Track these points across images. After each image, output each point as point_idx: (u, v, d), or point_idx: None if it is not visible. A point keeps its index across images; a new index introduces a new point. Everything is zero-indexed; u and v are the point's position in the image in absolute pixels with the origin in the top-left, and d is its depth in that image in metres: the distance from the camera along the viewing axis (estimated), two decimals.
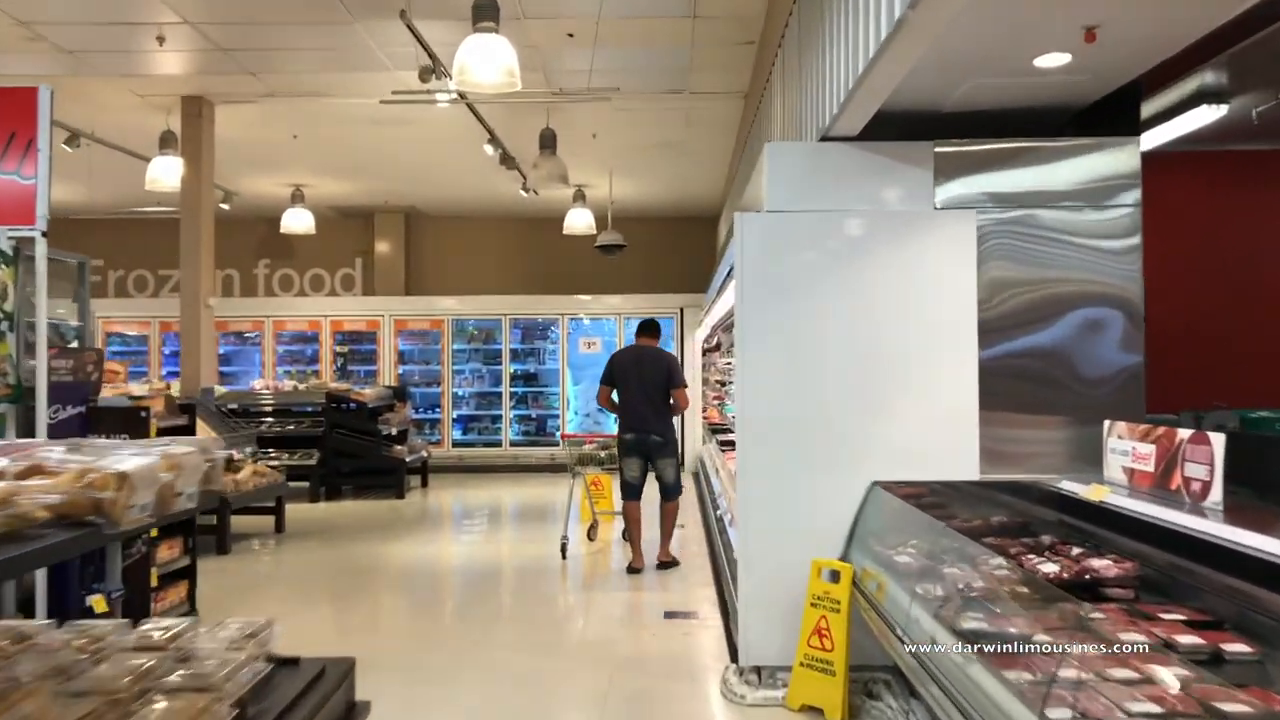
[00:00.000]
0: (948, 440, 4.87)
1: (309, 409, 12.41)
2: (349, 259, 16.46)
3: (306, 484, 11.89)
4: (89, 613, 5.22)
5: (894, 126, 4.95)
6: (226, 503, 8.54)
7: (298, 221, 13.82)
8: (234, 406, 12.40)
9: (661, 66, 9.19)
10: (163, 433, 5.76)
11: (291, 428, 12.25)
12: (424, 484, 13.22)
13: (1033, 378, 4.90)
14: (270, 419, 12.38)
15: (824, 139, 5.03)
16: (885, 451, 4.87)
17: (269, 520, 9.69)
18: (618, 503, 8.92)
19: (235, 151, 11.85)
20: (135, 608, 5.32)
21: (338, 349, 14.56)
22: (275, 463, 11.76)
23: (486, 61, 6.44)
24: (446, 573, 8.31)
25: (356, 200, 15.13)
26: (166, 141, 10.18)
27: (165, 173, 10.16)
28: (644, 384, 7.92)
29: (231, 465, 9.20)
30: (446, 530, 10.60)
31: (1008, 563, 3.62)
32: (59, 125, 9.87)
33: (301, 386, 12.87)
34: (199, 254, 10.32)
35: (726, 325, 11.63)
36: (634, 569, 7.91)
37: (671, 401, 7.99)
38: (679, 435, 14.55)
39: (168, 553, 5.69)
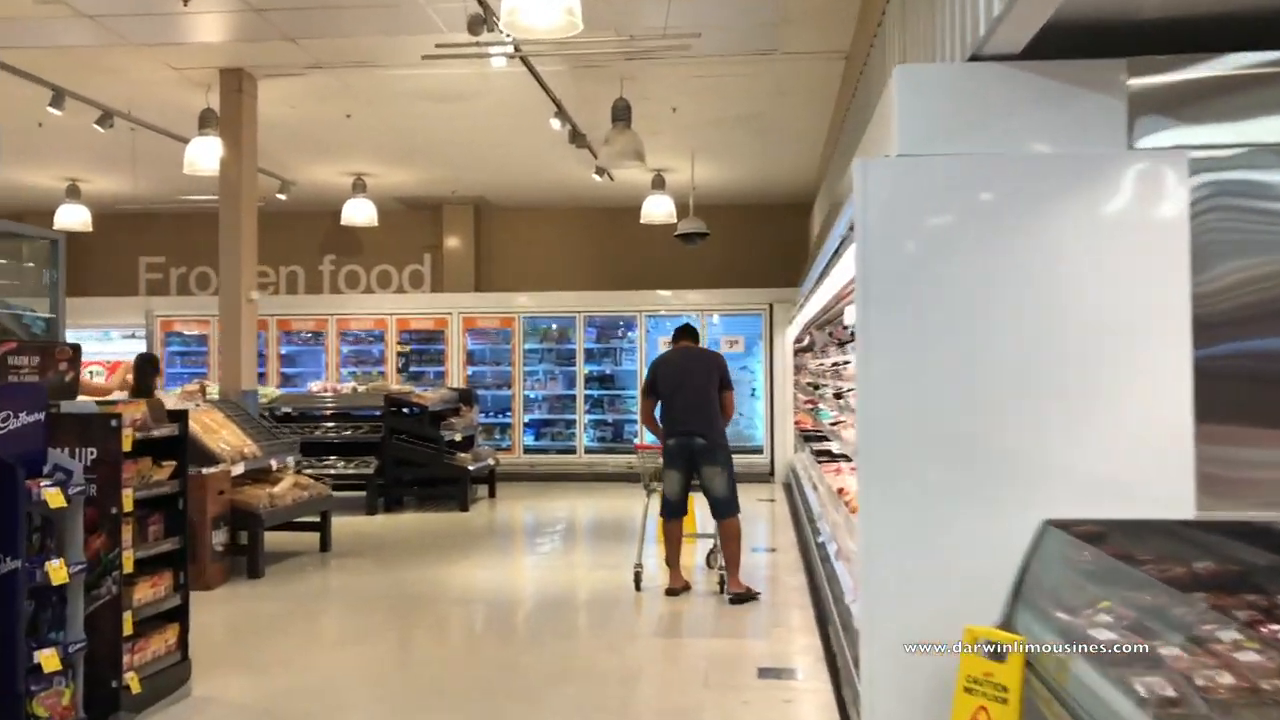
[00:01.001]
0: (1149, 465, 3.56)
1: (369, 413, 11.49)
2: (417, 254, 15.57)
3: (365, 494, 10.95)
4: (37, 671, 4.25)
5: (1069, 41, 3.67)
6: (259, 520, 7.59)
7: (359, 213, 12.93)
8: (290, 410, 11.55)
9: (749, 22, 7.97)
10: (143, 446, 4.75)
11: (349, 433, 11.33)
12: (491, 494, 12.19)
13: (1275, 381, 3.56)
14: (329, 424, 11.48)
15: (973, 59, 3.76)
16: (1062, 479, 3.58)
17: (315, 538, 8.72)
18: (701, 523, 7.74)
19: (287, 135, 10.98)
20: (101, 662, 4.31)
21: (400, 348, 13.65)
22: (332, 471, 10.88)
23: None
24: (504, 606, 7.21)
25: (423, 190, 14.21)
26: (206, 120, 9.32)
27: (204, 155, 9.30)
28: (692, 385, 7.03)
29: (269, 477, 8.26)
30: (510, 550, 9.53)
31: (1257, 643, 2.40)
32: (89, 103, 9.07)
33: (361, 389, 11.95)
34: (239, 243, 9.43)
35: (822, 322, 10.32)
36: (672, 590, 6.95)
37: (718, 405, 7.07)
38: (770, 443, 13.44)
39: (149, 591, 4.68)
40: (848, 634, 4.62)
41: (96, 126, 9.24)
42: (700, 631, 6.26)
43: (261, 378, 14.34)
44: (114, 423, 4.42)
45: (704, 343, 13.77)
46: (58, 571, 4.06)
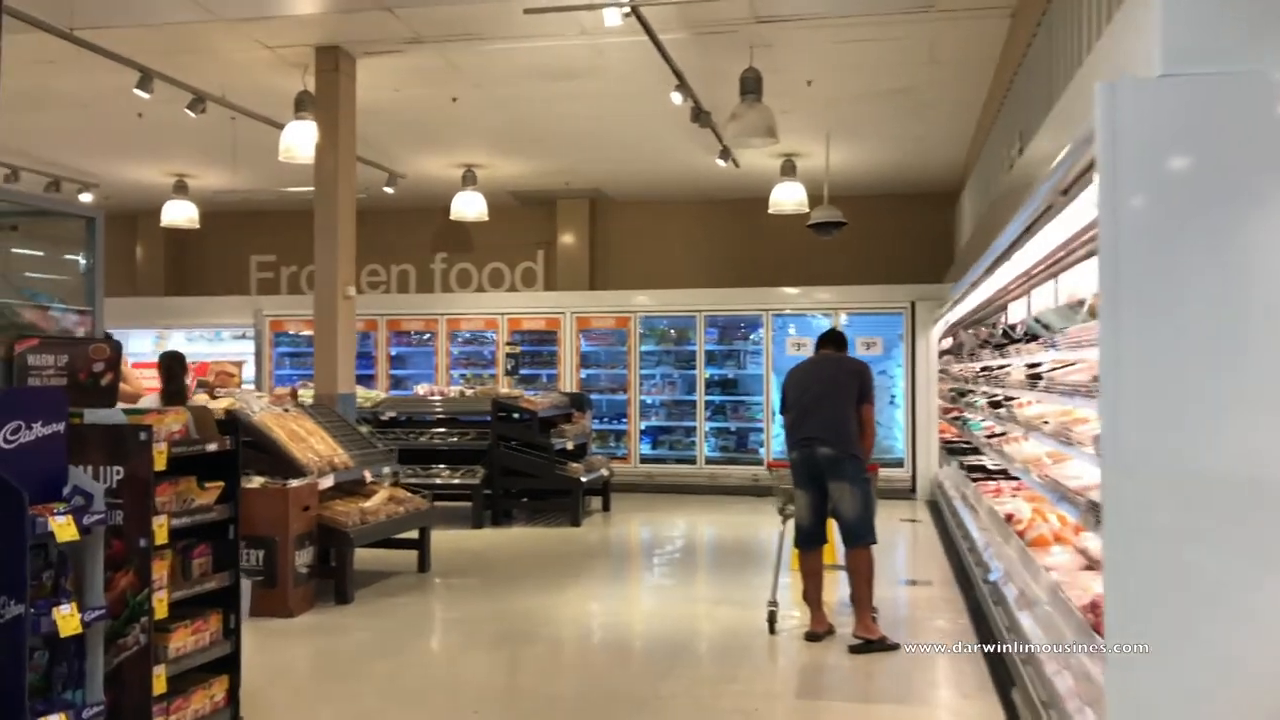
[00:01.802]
0: None
1: (477, 419, 10.75)
2: (530, 251, 14.85)
3: (470, 505, 10.21)
4: None
5: None
6: (348, 539, 6.85)
7: (469, 206, 12.25)
8: (395, 414, 10.91)
9: None
10: (188, 463, 3.98)
11: (455, 440, 10.60)
12: (605, 507, 11.31)
13: None
14: (437, 430, 10.78)
15: None
16: None
17: (413, 556, 7.97)
18: (841, 553, 6.67)
19: (391, 122, 10.33)
20: None
21: (511, 349, 12.92)
22: (438, 480, 10.18)
23: None
24: (617, 650, 6.28)
25: (536, 183, 13.45)
26: (302, 104, 8.69)
27: (300, 140, 8.68)
28: (821, 393, 6.03)
29: (362, 490, 7.54)
30: (625, 576, 8.60)
31: None
32: (179, 85, 8.53)
33: (469, 392, 11.23)
34: (336, 235, 8.77)
35: (970, 322, 9.12)
36: (812, 635, 5.90)
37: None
38: (912, 456, 12.18)
39: (190, 638, 3.90)
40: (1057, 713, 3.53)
41: (188, 111, 8.70)
42: (850, 691, 5.20)
43: (370, 380, 13.88)
44: (143, 435, 3.64)
45: None
46: (68, 620, 3.29)
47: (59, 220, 4.37)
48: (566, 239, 14.52)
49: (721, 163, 10.81)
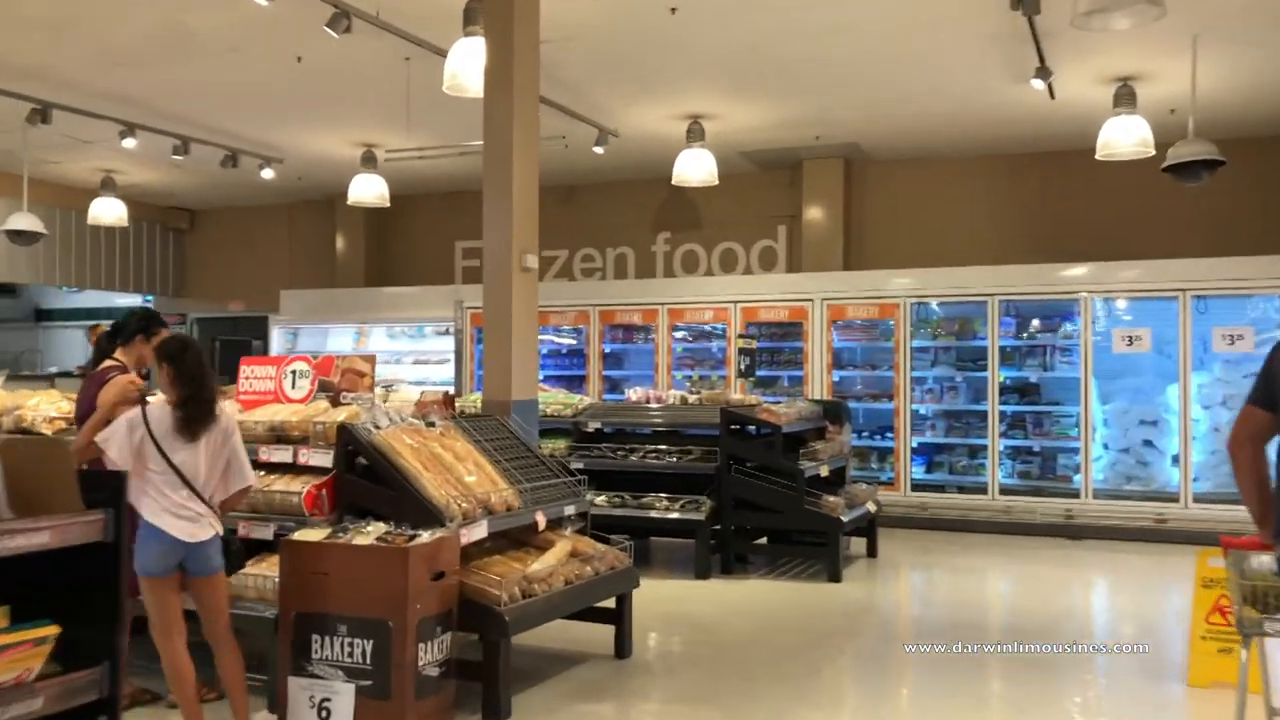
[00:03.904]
0: None
1: (703, 431, 8.31)
2: (769, 227, 12.27)
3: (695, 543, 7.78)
4: None
5: None
6: (500, 623, 4.52)
7: (695, 167, 9.82)
8: (601, 426, 8.62)
9: None
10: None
11: (676, 459, 8.17)
12: (870, 551, 8.58)
13: None
14: (653, 446, 8.40)
15: None
16: None
17: (607, 634, 5.58)
18: None
19: (592, 50, 8.07)
20: None
21: (743, 343, 10.40)
22: (653, 513, 7.80)
23: None
24: None
25: (776, 139, 10.85)
26: (472, 15, 6.54)
27: (469, 64, 6.51)
28: None
29: (533, 539, 5.22)
30: (929, 675, 5.83)
31: None
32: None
33: (692, 398, 8.78)
34: (510, 185, 6.53)
35: None
36: None
37: None
38: None
39: None
40: None
41: (329, 31, 6.71)
42: None
43: (581, 382, 11.75)
44: None
45: (1186, 339, 9.40)
46: None
47: None
48: (814, 211, 11.83)
49: (1039, 84, 7.84)
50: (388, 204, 10.71)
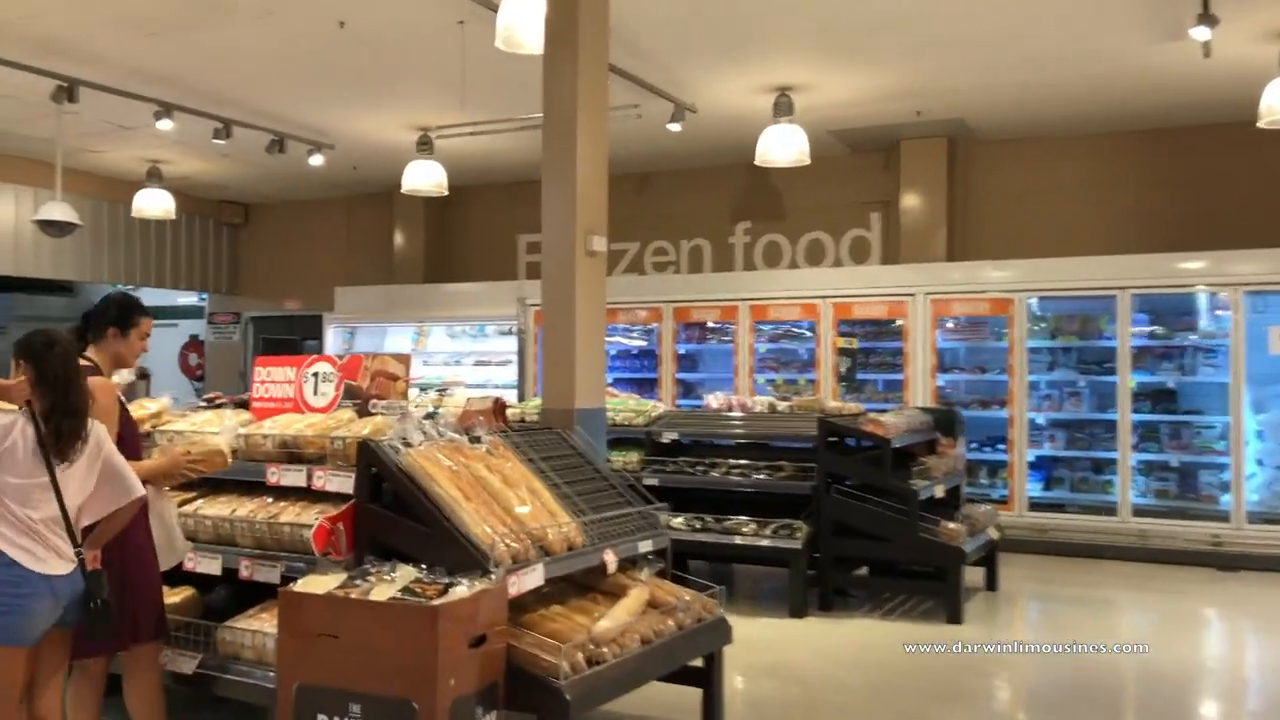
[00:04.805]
0: None
1: (794, 444, 7.24)
2: (861, 215, 11.12)
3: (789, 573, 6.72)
4: None
5: None
6: (559, 700, 3.49)
7: (781, 146, 8.71)
8: (676, 437, 7.59)
9: None
10: None
11: (764, 476, 7.09)
12: (989, 583, 7.42)
13: None
14: (736, 460, 7.34)
15: None
16: None
17: (690, 696, 4.54)
18: None
19: (668, 19, 7.05)
20: None
21: (844, 343, 9.29)
22: (738, 540, 6.76)
23: None
24: None
25: (874, 114, 9.69)
26: None
27: (525, 17, 5.51)
28: None
29: (600, 584, 4.21)
30: None
31: None
32: None
33: (783, 406, 7.70)
34: (572, 156, 5.53)
35: None
36: None
37: None
38: None
39: None
40: None
41: None
42: None
43: (652, 386, 10.73)
44: None
45: None
46: None
47: None
48: (912, 196, 10.65)
49: (1202, 33, 6.60)
50: (445, 192, 9.79)
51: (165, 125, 9.10)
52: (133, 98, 8.77)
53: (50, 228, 9.27)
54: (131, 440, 3.90)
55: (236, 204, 14.26)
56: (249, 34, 7.64)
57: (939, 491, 6.92)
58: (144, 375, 13.32)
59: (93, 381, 3.78)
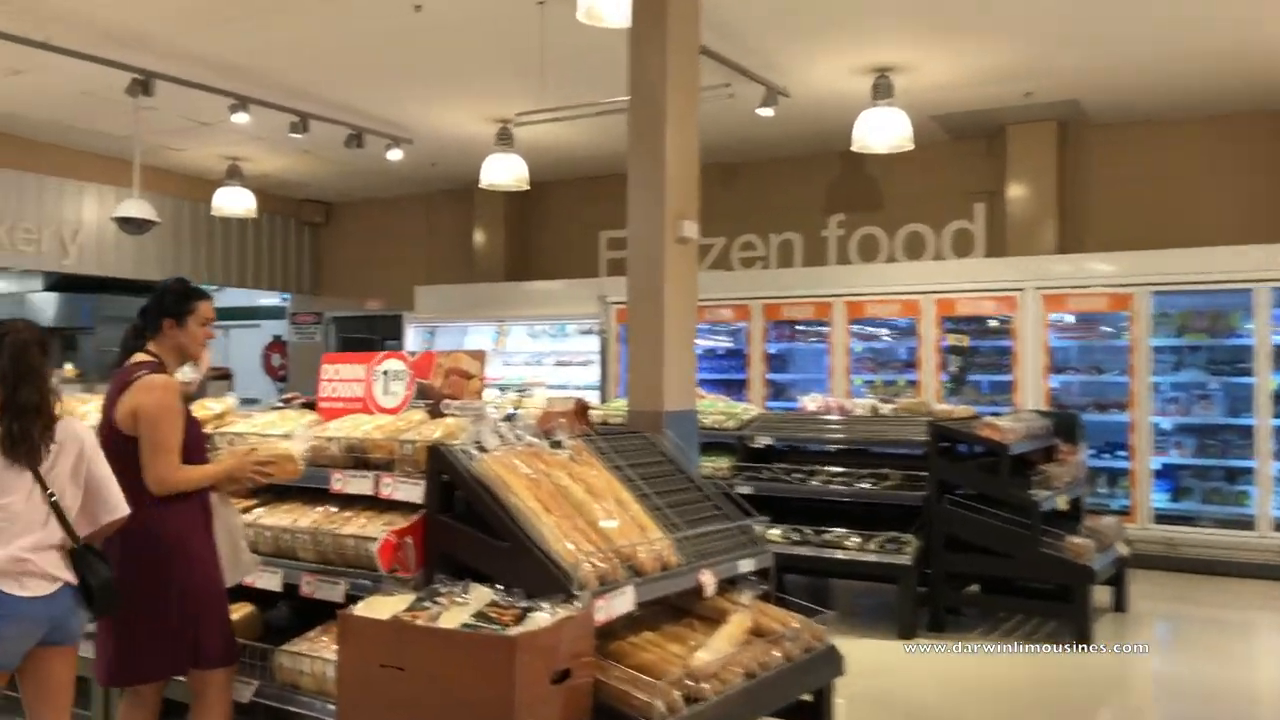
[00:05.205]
0: None
1: (897, 450, 6.68)
2: (963, 206, 10.45)
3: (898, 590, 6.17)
4: None
5: None
6: None
7: (880, 131, 8.14)
8: (770, 441, 7.08)
9: None
10: None
11: (868, 485, 6.53)
12: (1117, 604, 6.75)
13: None
14: (834, 468, 6.79)
15: None
16: None
17: None
18: None
19: None
20: None
21: (955, 340, 8.66)
22: (840, 554, 6.23)
23: None
24: None
25: (978, 97, 9.06)
26: None
27: None
28: None
29: (695, 610, 3.74)
30: None
31: None
32: None
33: (886, 409, 7.13)
34: (660, 136, 5.07)
35: None
36: None
37: None
38: None
39: None
40: None
41: None
42: None
43: (741, 387, 10.22)
44: None
45: None
46: None
47: None
48: (1019, 186, 9.96)
49: None
50: (526, 186, 9.42)
51: (241, 119, 8.89)
52: (207, 90, 8.57)
53: (128, 225, 9.15)
54: (195, 444, 3.56)
55: (318, 203, 14.14)
56: (322, 20, 7.36)
57: (1061, 503, 6.30)
58: (225, 375, 13.26)
59: (148, 379, 3.45)
